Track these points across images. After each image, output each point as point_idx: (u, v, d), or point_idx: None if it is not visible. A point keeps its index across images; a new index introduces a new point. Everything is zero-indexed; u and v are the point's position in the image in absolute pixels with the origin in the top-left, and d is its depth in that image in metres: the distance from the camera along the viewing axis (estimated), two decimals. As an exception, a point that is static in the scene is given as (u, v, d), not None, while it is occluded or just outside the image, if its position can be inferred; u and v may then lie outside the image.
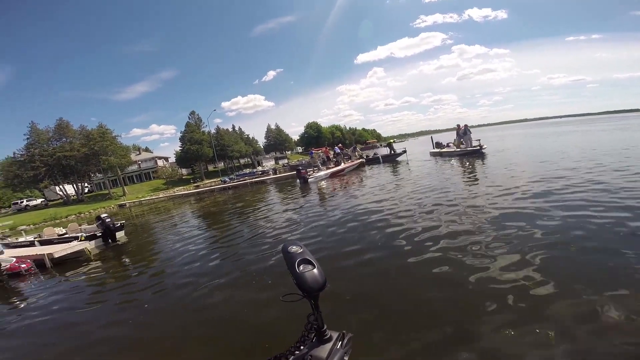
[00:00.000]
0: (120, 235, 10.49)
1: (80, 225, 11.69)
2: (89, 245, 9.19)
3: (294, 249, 0.95)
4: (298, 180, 17.22)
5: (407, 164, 19.87)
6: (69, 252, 8.37)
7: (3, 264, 7.10)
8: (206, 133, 55.06)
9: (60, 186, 38.60)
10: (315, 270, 0.89)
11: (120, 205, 31.59)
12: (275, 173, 38.05)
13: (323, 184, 16.02)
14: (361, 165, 21.01)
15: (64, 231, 10.72)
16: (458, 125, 19.45)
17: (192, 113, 57.21)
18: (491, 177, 10.44)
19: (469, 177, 11.34)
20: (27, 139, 36.60)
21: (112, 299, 5.28)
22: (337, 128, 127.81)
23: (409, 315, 3.31)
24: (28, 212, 33.18)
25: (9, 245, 10.25)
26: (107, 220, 9.67)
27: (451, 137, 22.74)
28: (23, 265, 7.41)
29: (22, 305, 5.95)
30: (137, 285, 5.79)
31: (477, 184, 9.72)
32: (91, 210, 29.31)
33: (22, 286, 6.96)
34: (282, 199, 14.00)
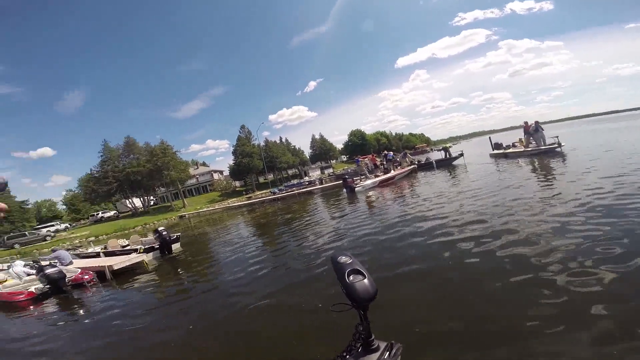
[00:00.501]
0: (176, 247, 10.81)
1: (141, 237, 12.41)
2: (147, 257, 9.55)
3: (343, 259, 0.96)
4: (345, 190, 16.55)
5: (465, 168, 18.07)
6: (127, 264, 8.72)
7: (69, 275, 7.56)
8: (256, 146, 57.47)
9: (129, 199, 42.91)
10: (366, 281, 0.87)
11: (180, 217, 33.92)
12: (321, 183, 37.99)
13: (371, 193, 15.15)
14: (413, 171, 19.63)
15: (126, 243, 11.42)
16: (526, 123, 17.18)
17: (242, 127, 60.25)
18: (578, 178, 8.66)
19: (548, 180, 9.62)
20: (101, 156, 41.55)
21: (157, 319, 5.12)
22: (382, 134, 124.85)
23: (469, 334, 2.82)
24: (102, 223, 37.34)
25: (79, 256, 11.21)
26: (164, 233, 10.01)
27: (510, 136, 20.35)
28: (86, 277, 7.83)
29: (81, 312, 6.29)
30: (185, 303, 5.61)
31: (559, 186, 8.09)
32: (155, 222, 31.96)
33: (84, 296, 7.31)
34: (329, 209, 13.44)
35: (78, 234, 29.36)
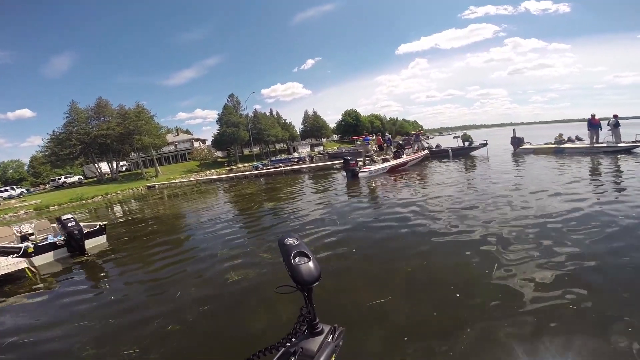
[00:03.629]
0: (96, 242, 7.36)
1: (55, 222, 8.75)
2: (41, 260, 6.11)
3: (290, 241, 0.92)
4: (344, 174, 13.20)
5: (488, 160, 15.05)
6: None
7: None
8: (243, 116, 53.02)
9: (96, 164, 38.28)
10: (310, 263, 0.87)
11: (149, 187, 29.95)
12: (312, 161, 34.50)
13: (377, 181, 11.90)
14: (425, 158, 16.35)
15: (30, 230, 7.75)
16: (592, 116, 13.67)
17: (231, 96, 55.48)
18: None
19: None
20: (67, 117, 36.36)
21: None
22: (377, 117, 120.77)
23: None
24: (63, 190, 32.86)
25: None
26: (70, 225, 6.47)
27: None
28: None
29: None
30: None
31: None
32: (119, 191, 27.90)
33: None
34: (324, 199, 10.07)
35: (27, 203, 24.92)
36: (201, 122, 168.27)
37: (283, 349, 0.85)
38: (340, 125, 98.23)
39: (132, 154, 41.73)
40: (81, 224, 7.87)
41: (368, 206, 8.02)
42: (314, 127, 78.02)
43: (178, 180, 31.79)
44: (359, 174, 12.61)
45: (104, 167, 40.55)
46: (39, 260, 6.29)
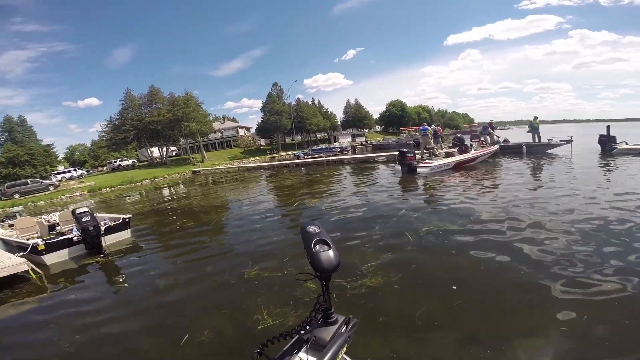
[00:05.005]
0: (120, 237, 6.56)
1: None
2: (53, 259, 5.38)
3: (312, 228, 0.91)
4: (399, 167, 11.31)
5: (571, 161, 12.11)
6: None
7: None
8: (286, 104, 52.51)
9: (147, 149, 40.25)
10: (330, 252, 0.86)
11: (194, 172, 30.52)
12: (354, 152, 32.60)
13: (440, 178, 9.89)
14: (494, 154, 13.70)
15: (56, 220, 7.19)
16: None
17: (275, 84, 55.05)
18: None
19: None
20: (122, 104, 38.43)
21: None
22: (424, 108, 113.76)
23: None
24: (117, 172, 34.98)
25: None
26: (85, 220, 5.61)
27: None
28: None
29: None
30: None
31: None
32: (166, 175, 28.75)
33: None
34: (376, 198, 8.37)
35: (82, 185, 26.58)
36: (247, 111, 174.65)
37: (297, 336, 0.85)
38: (383, 116, 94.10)
39: (181, 139, 43.23)
40: (106, 216, 7.17)
41: (435, 211, 6.22)
42: (355, 117, 75.28)
43: (222, 167, 31.97)
44: (418, 169, 10.63)
45: (155, 151, 42.61)
46: (52, 258, 5.58)
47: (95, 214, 7.47)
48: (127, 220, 6.81)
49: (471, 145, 12.23)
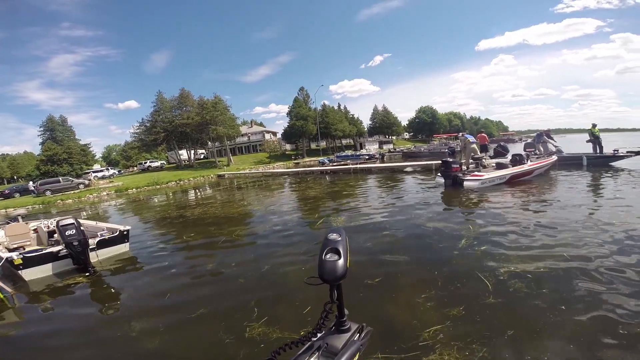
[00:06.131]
0: (116, 252, 5.68)
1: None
2: (37, 273, 4.52)
3: (333, 236, 0.91)
4: (441, 179, 9.78)
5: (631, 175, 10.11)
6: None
7: None
8: (312, 109, 51.90)
9: (176, 151, 40.96)
10: (339, 262, 0.85)
11: (219, 176, 30.32)
12: (382, 160, 30.96)
13: (497, 194, 8.29)
14: (552, 166, 11.75)
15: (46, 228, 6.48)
16: None
17: (301, 89, 54.73)
18: None
19: None
20: (154, 106, 39.47)
21: None
22: (456, 115, 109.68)
23: None
24: (145, 173, 35.71)
25: None
26: (69, 233, 4.73)
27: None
28: None
29: None
30: None
31: None
32: (191, 178, 28.69)
33: None
34: (423, 219, 6.97)
35: (111, 185, 27.08)
36: (275, 117, 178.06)
37: (309, 343, 0.85)
38: (413, 123, 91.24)
39: (209, 143, 43.75)
40: (104, 225, 6.34)
41: (508, 242, 4.74)
42: (383, 124, 73.21)
43: (246, 171, 31.57)
44: (465, 183, 9.05)
45: (184, 154, 43.36)
46: (32, 274, 4.76)
47: (95, 223, 6.73)
48: (124, 232, 5.93)
49: (527, 155, 10.40)
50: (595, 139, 14.57)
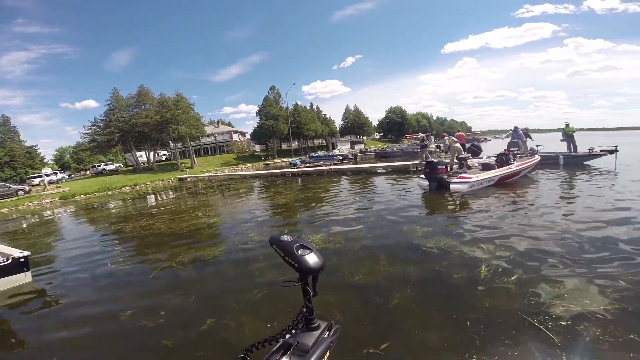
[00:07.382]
0: (11, 284, 4.16)
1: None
2: None
3: (285, 238, 0.89)
4: (424, 182, 8.86)
5: (615, 173, 10.00)
6: None
7: None
8: (283, 109, 50.21)
9: (133, 152, 37.58)
10: (313, 254, 0.85)
11: (180, 179, 27.91)
12: (355, 160, 30.18)
13: (480, 198, 7.50)
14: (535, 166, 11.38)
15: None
16: None
17: (272, 88, 52.96)
18: None
19: None
20: (108, 104, 35.88)
21: None
22: (423, 116, 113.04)
23: None
24: (97, 178, 32.25)
25: None
26: None
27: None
28: None
29: None
30: None
31: None
32: (148, 182, 26.04)
33: None
34: (419, 234, 5.91)
35: (56, 191, 23.71)
36: (245, 117, 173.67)
37: (282, 340, 0.85)
38: (383, 123, 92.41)
39: (171, 143, 40.64)
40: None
41: (523, 254, 3.76)
42: (354, 124, 73.23)
43: (211, 174, 29.36)
44: (452, 186, 8.18)
45: (144, 156, 39.92)
46: None
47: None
48: (22, 260, 4.30)
49: (514, 155, 9.85)
50: (569, 138, 14.65)
